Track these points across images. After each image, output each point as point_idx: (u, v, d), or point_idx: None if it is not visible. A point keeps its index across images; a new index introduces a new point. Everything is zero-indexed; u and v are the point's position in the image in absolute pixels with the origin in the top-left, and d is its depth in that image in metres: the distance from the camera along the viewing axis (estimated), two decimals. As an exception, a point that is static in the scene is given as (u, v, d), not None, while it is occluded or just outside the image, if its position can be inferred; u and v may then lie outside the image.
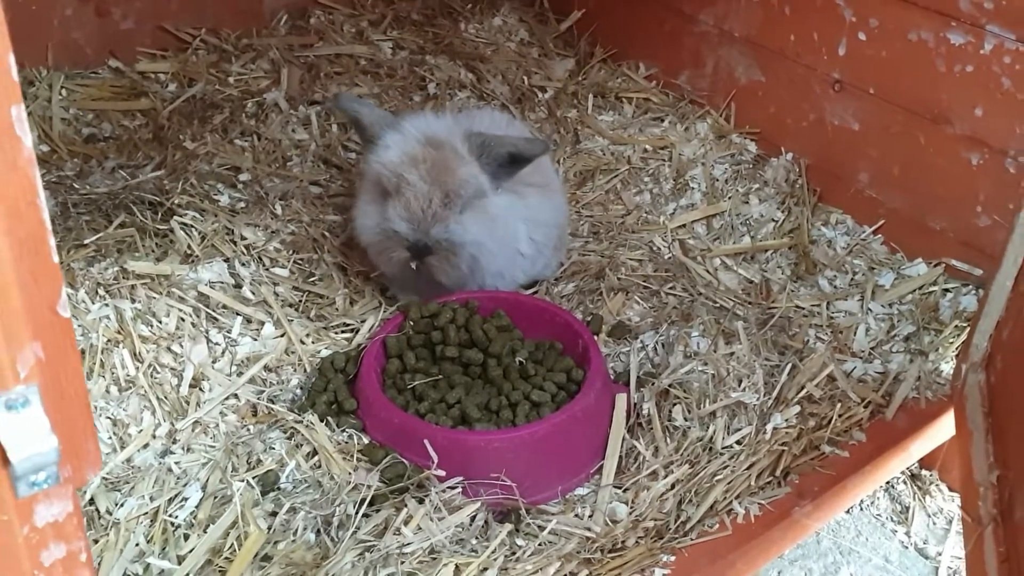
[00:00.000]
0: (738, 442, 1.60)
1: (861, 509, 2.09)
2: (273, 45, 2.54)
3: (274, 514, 1.41)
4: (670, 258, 2.11)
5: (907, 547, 2.01)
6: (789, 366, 1.74)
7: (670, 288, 2.00)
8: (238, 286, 1.82)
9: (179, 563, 1.35)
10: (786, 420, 1.64)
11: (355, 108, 1.75)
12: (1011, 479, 1.50)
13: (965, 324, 1.94)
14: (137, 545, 1.38)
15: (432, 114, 1.80)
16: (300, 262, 1.91)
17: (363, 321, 1.83)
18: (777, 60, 2.31)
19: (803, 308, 1.99)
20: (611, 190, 2.31)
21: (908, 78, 2.04)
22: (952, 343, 1.93)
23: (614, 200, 2.29)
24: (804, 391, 1.69)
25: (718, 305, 1.95)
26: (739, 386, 1.67)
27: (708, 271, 2.07)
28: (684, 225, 2.21)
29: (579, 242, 2.14)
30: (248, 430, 1.57)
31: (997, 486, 1.56)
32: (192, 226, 1.90)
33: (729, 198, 2.28)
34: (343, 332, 1.81)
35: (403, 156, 1.66)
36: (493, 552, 1.35)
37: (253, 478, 1.46)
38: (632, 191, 2.31)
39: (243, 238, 1.90)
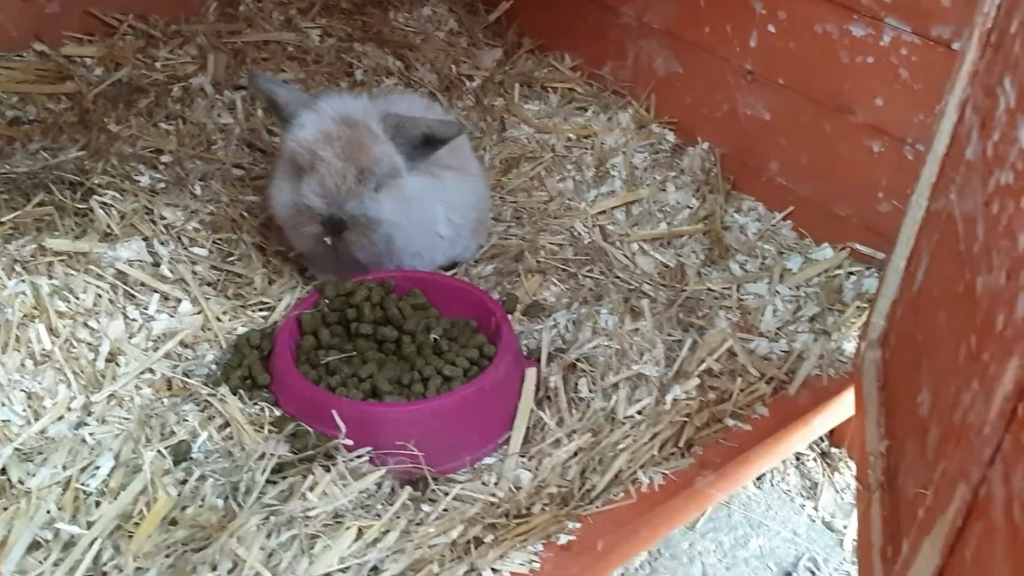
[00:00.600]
0: (639, 412, 1.66)
1: (772, 485, 2.17)
2: (201, 31, 2.56)
3: (184, 482, 1.44)
4: (590, 243, 2.17)
5: (815, 520, 2.09)
6: (691, 341, 1.81)
7: (588, 271, 2.06)
8: (156, 264, 1.84)
9: (88, 528, 1.38)
10: (686, 392, 1.71)
11: (270, 88, 1.78)
12: (895, 448, 1.58)
13: (866, 305, 2.02)
14: (48, 512, 1.40)
15: (349, 95, 1.84)
16: (219, 242, 1.94)
17: (280, 300, 1.86)
18: (693, 52, 2.38)
19: (715, 291, 2.07)
20: (535, 177, 2.37)
21: (814, 69, 2.12)
22: (854, 323, 2.02)
23: (538, 187, 2.35)
24: (704, 365, 1.75)
25: (633, 287, 2.02)
26: (641, 359, 1.73)
27: (626, 255, 2.14)
28: (604, 211, 2.28)
29: (501, 226, 2.20)
30: (162, 403, 1.60)
31: (886, 455, 1.64)
32: (112, 205, 1.92)
33: (648, 186, 2.35)
34: (260, 310, 1.84)
35: (318, 134, 1.70)
36: (396, 515, 1.40)
37: (165, 448, 1.49)
38: (555, 178, 2.37)
39: (163, 218, 1.93)
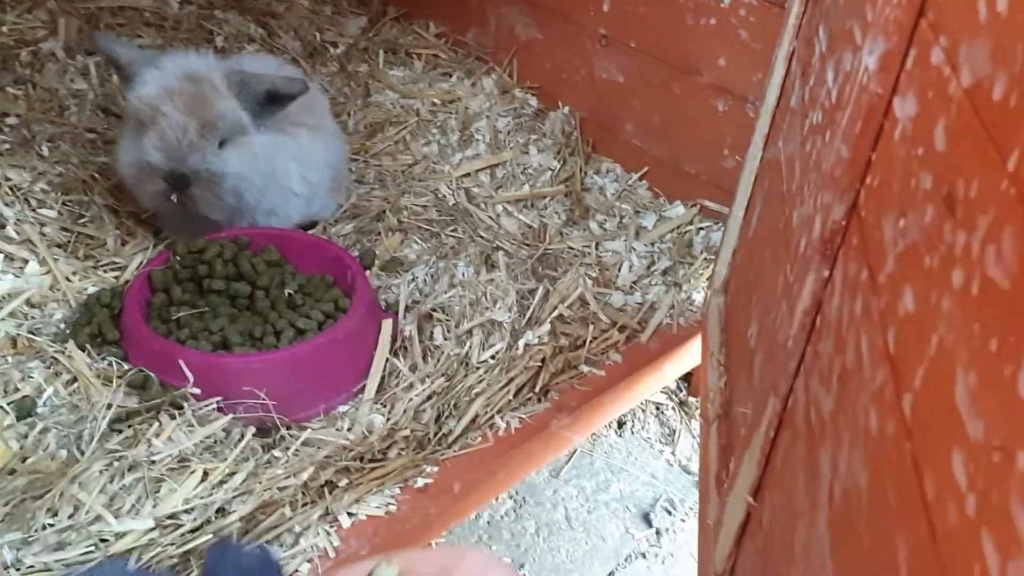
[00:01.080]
0: (493, 357, 1.71)
1: (632, 432, 2.25)
2: (52, -4, 2.50)
3: (27, 436, 1.42)
4: (454, 204, 2.20)
5: (672, 464, 2.19)
6: (543, 291, 1.86)
7: (452, 231, 2.10)
8: (1, 226, 1.80)
9: (-79, 485, 1.35)
10: (538, 337, 1.76)
11: (111, 47, 1.75)
12: (731, 382, 1.67)
13: (713, 257, 2.12)
14: None
15: (195, 53, 1.82)
16: (69, 203, 1.90)
17: (133, 260, 1.84)
18: (552, 18, 2.44)
19: (575, 248, 2.13)
20: (400, 141, 2.39)
21: (663, 32, 2.20)
22: (703, 274, 2.11)
23: (403, 151, 2.37)
24: (556, 312, 1.81)
25: (495, 246, 2.07)
26: (495, 307, 1.78)
27: (490, 216, 2.18)
28: (469, 174, 2.32)
29: (364, 188, 2.21)
30: (7, 360, 1.57)
31: (724, 390, 1.73)
32: (-48, 168, 1.87)
33: (511, 149, 2.40)
34: (112, 271, 1.81)
35: (160, 89, 1.68)
36: (243, 457, 1.41)
37: (8, 403, 1.47)
38: (420, 142, 2.40)
39: (7, 179, 1.88)
